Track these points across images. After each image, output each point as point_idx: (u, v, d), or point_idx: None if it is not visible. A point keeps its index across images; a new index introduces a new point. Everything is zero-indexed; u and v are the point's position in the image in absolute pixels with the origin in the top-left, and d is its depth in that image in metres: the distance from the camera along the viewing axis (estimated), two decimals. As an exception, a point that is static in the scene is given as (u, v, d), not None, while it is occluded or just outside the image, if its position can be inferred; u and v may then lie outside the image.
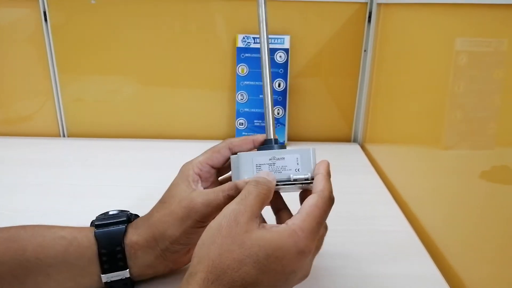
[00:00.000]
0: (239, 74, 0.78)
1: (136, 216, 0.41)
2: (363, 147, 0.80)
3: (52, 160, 0.72)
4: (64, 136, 0.84)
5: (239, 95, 0.79)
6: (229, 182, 0.36)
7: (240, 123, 0.80)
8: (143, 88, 0.81)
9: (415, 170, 0.58)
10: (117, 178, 0.65)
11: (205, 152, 0.40)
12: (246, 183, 0.34)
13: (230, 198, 0.35)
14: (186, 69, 0.79)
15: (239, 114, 0.80)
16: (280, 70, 0.77)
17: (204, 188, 0.39)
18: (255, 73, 0.78)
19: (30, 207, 0.56)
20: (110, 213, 0.41)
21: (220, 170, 0.41)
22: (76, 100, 0.82)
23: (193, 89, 0.81)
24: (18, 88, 0.81)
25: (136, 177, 0.66)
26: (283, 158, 0.36)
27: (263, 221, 0.35)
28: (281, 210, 0.37)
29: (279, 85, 0.77)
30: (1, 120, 0.84)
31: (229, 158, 0.40)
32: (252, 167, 0.36)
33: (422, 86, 0.55)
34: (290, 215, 0.37)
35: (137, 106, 0.82)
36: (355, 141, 0.84)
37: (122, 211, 0.41)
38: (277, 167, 0.36)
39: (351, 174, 0.67)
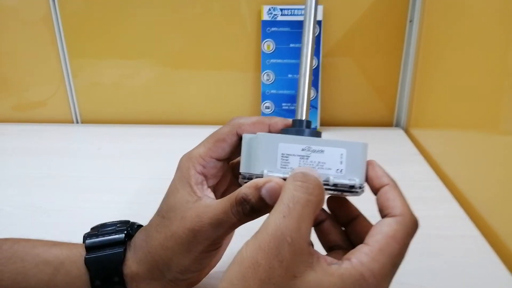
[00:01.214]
0: (265, 51, 0.69)
1: (139, 227, 0.33)
2: (408, 132, 0.71)
3: (63, 149, 0.67)
4: (77, 122, 0.79)
5: (265, 75, 0.70)
6: (236, 191, 0.26)
7: (266, 106, 0.72)
8: (160, 71, 0.75)
9: (476, 160, 0.48)
10: (131, 169, 0.59)
11: (206, 140, 0.31)
12: (262, 186, 0.25)
13: (244, 215, 0.26)
14: (206, 48, 0.72)
15: (265, 97, 0.71)
16: (311, 46, 0.68)
17: (213, 187, 0.30)
18: (283, 49, 0.69)
19: (33, 202, 0.51)
20: (106, 227, 0.32)
21: (229, 157, 0.31)
22: (90, 85, 0.77)
23: (213, 70, 0.73)
24: (30, 73, 0.77)
25: (151, 167, 0.59)
26: (322, 151, 0.27)
27: (310, 243, 0.25)
28: (323, 223, 0.28)
29: (310, 63, 0.69)
30: (13, 105, 0.80)
31: (238, 145, 0.30)
32: (276, 157, 0.27)
33: (479, 59, 0.47)
34: (341, 235, 0.28)
35: (153, 91, 0.76)
36: (397, 125, 0.75)
37: (121, 222, 0.33)
38: (311, 161, 0.27)
39: (395, 164, 0.57)
